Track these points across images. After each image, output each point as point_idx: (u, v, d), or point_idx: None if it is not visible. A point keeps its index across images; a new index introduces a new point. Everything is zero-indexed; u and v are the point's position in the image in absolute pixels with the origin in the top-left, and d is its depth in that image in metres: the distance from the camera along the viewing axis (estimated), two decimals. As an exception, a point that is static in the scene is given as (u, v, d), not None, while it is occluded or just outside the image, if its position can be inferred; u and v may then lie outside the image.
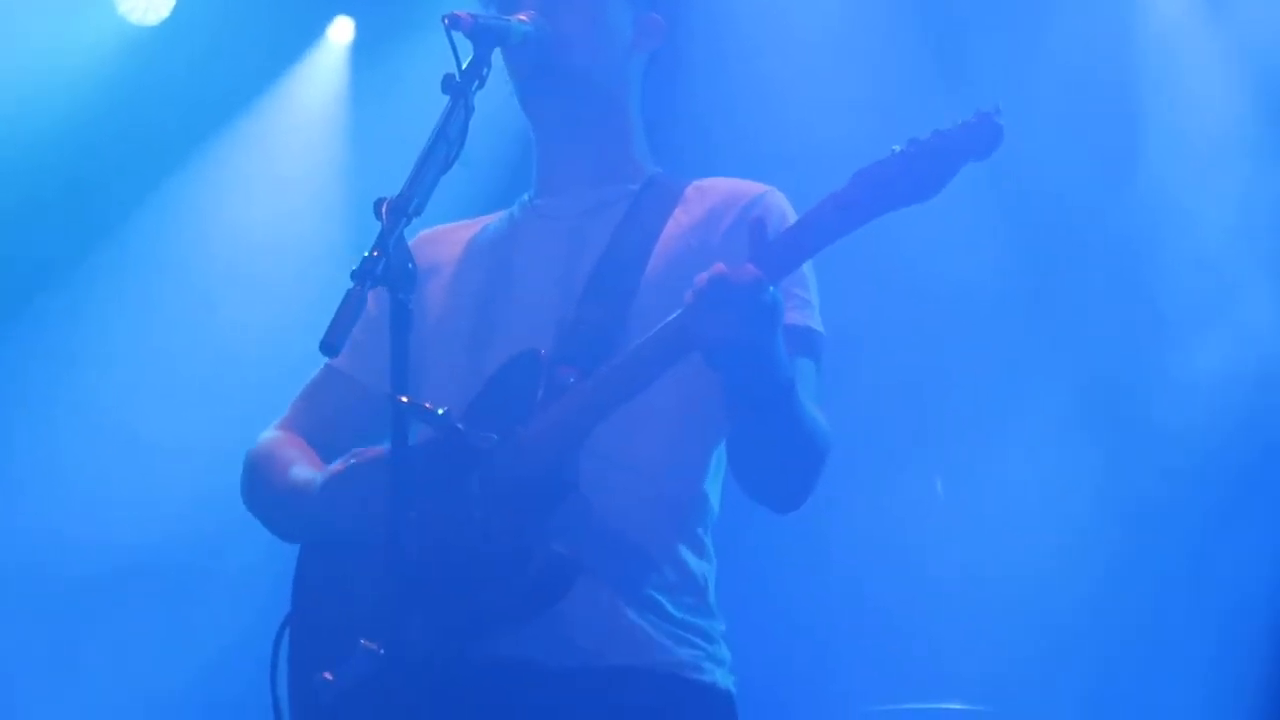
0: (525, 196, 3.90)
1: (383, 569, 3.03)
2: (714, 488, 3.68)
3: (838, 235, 3.31)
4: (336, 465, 3.56)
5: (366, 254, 3.03)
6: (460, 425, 3.28)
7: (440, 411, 3.19)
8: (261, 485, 3.79)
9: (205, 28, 7.37)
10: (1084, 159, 6.77)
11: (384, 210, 3.09)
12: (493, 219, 3.93)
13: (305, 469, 3.68)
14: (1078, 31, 6.80)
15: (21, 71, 7.07)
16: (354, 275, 3.01)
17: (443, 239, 3.91)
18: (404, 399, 3.05)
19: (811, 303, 3.64)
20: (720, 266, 3.24)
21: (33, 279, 7.35)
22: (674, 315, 3.32)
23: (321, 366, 3.86)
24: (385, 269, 3.02)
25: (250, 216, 7.49)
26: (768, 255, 3.28)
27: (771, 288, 3.25)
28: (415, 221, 3.14)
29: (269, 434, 3.88)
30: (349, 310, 2.98)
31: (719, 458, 3.67)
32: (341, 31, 7.64)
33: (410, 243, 3.69)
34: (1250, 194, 6.61)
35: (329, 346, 2.96)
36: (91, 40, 7.25)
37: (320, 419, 3.85)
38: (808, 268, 3.64)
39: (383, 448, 3.47)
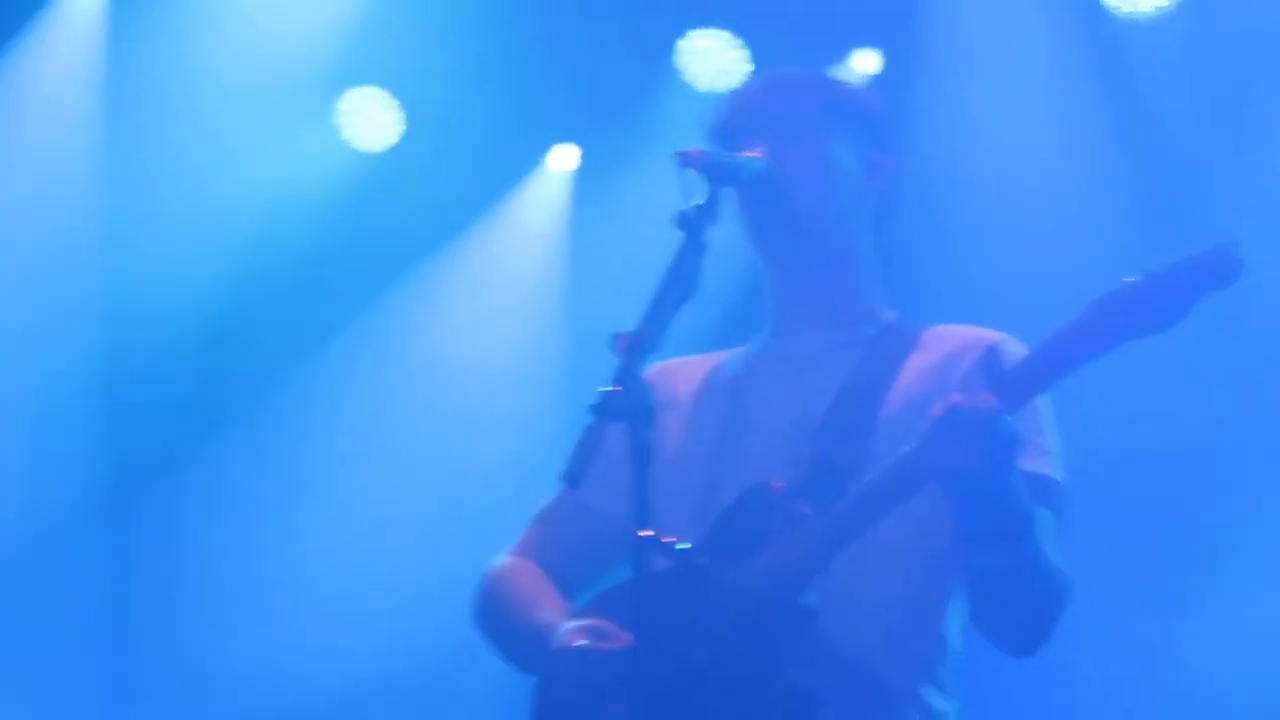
0: (762, 335, 3.89)
1: (624, 707, 3.07)
2: (953, 628, 3.64)
3: (1075, 366, 3.28)
4: (573, 633, 3.53)
5: (604, 389, 3.06)
6: (702, 561, 3.31)
7: (683, 546, 3.22)
8: (497, 617, 3.81)
9: (429, 154, 7.50)
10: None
11: (622, 345, 3.12)
12: (728, 355, 3.93)
13: (544, 611, 3.68)
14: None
15: (243, 196, 7.24)
16: (593, 409, 3.04)
17: (680, 372, 3.91)
18: (647, 533, 3.07)
19: (1050, 450, 3.58)
20: (957, 396, 3.23)
21: (243, 399, 7.51)
22: (910, 446, 3.31)
23: (558, 493, 3.87)
24: (625, 404, 3.05)
25: (459, 345, 7.60)
26: (1003, 385, 3.26)
27: (1008, 418, 3.23)
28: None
29: (505, 560, 3.89)
30: (589, 443, 3.02)
31: (958, 599, 3.63)
32: (563, 159, 7.72)
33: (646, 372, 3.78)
34: None
35: (571, 479, 3.00)
36: (316, 165, 7.41)
37: (558, 548, 3.86)
38: (1049, 417, 3.60)
39: (618, 635, 3.45)
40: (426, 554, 7.19)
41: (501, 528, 4.00)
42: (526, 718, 3.62)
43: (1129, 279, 3.25)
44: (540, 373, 7.48)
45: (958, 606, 3.64)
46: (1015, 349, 3.64)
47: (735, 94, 3.91)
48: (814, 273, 3.79)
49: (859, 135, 3.83)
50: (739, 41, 7.17)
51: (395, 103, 7.46)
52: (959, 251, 6.77)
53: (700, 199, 3.37)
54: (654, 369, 3.82)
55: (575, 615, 3.63)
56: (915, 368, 3.70)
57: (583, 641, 3.49)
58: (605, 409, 3.04)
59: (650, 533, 3.07)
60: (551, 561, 3.85)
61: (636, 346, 3.14)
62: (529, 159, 7.71)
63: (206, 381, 7.48)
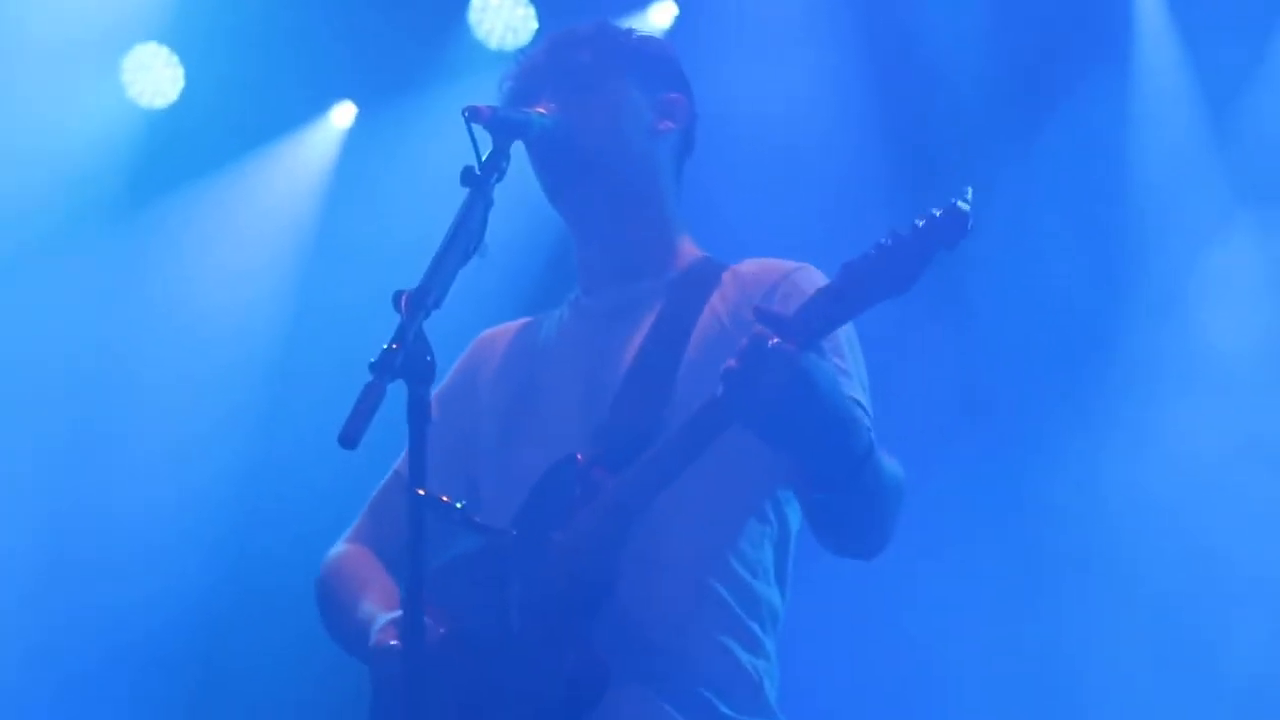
0: (572, 294, 3.89)
1: (430, 686, 3.02)
2: (769, 583, 3.65)
3: (831, 328, 3.30)
4: (384, 630, 3.52)
5: (385, 347, 3.01)
6: (477, 520, 3.27)
7: (459, 505, 3.18)
8: (333, 611, 3.83)
9: (213, 108, 7.39)
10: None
11: (403, 303, 3.08)
12: (545, 316, 3.93)
13: (367, 603, 3.68)
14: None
15: (24, 146, 7.10)
16: (372, 367, 2.99)
17: (497, 339, 3.94)
18: (421, 491, 3.02)
19: (850, 373, 3.57)
20: (756, 331, 3.22)
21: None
22: (705, 401, 3.31)
23: (388, 475, 3.90)
24: (404, 362, 3.00)
25: (202, 281, 7.51)
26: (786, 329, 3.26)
27: (812, 355, 3.24)
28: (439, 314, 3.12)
29: (338, 549, 3.91)
30: (368, 402, 2.96)
31: (771, 552, 3.65)
32: (344, 116, 7.64)
33: (474, 341, 3.81)
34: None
35: (348, 439, 2.94)
36: (99, 119, 7.29)
37: (385, 528, 3.85)
38: (850, 343, 3.63)
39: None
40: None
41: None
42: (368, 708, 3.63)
43: (876, 244, 3.27)
44: (279, 330, 7.43)
45: (776, 563, 3.66)
46: (807, 275, 3.68)
47: (522, 55, 3.91)
48: (611, 222, 3.78)
49: (647, 78, 3.83)
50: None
51: (176, 59, 7.34)
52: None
53: (487, 155, 3.34)
54: (481, 336, 3.90)
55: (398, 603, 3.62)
56: (713, 312, 3.69)
57: (391, 640, 3.46)
58: (383, 367, 3.00)
59: (424, 491, 3.02)
60: (382, 543, 3.85)
61: (416, 303, 3.09)
62: (312, 116, 7.60)
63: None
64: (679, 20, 7.13)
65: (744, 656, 3.57)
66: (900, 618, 6.62)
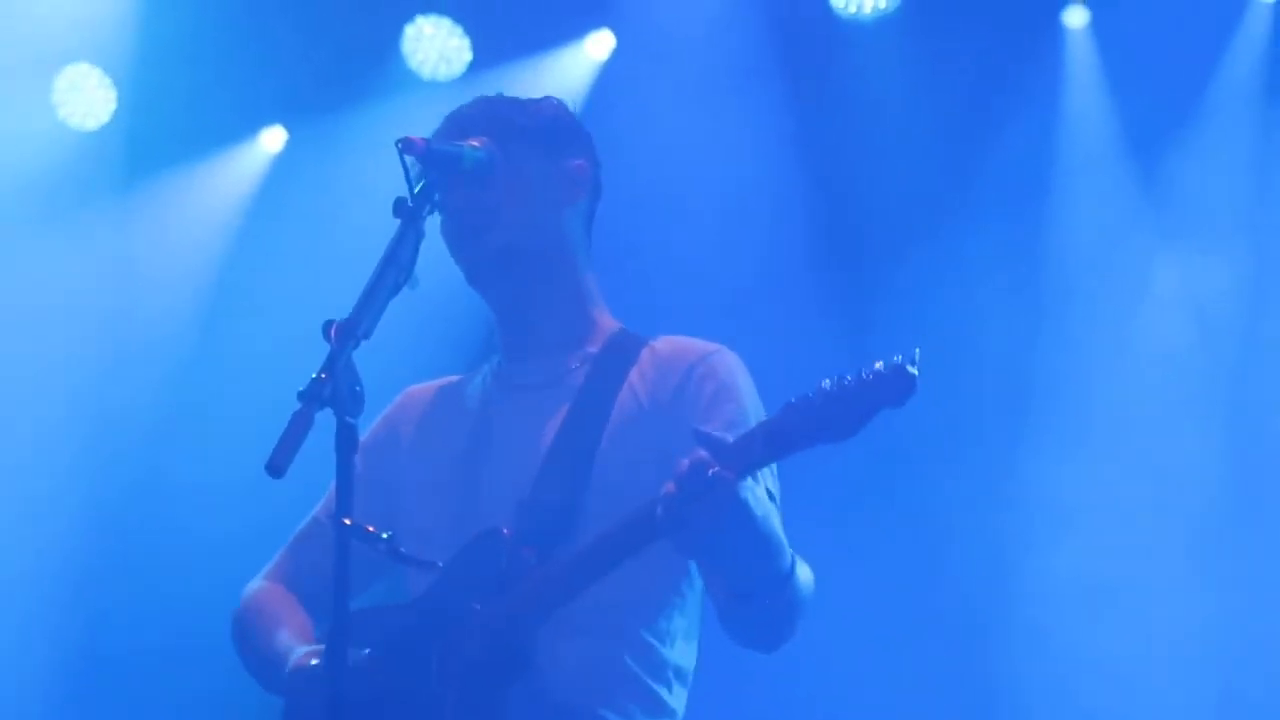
0: (495, 360, 3.89)
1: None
2: (675, 648, 3.70)
3: (765, 463, 3.37)
4: (305, 656, 3.56)
5: (314, 376, 3.02)
6: (403, 549, 3.27)
7: (385, 535, 3.18)
8: (247, 648, 3.82)
9: (143, 130, 7.37)
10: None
11: (333, 332, 3.08)
12: (470, 379, 3.93)
13: (283, 638, 3.69)
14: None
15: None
16: (301, 396, 3.00)
17: (420, 397, 3.94)
18: (347, 521, 3.04)
19: (774, 494, 3.59)
20: (696, 456, 3.25)
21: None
22: (638, 509, 3.36)
23: (308, 519, 3.91)
24: (333, 392, 3.01)
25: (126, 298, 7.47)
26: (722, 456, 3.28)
27: (749, 484, 3.30)
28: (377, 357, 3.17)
29: (255, 585, 3.90)
30: (296, 431, 2.98)
31: (681, 619, 3.71)
32: (274, 141, 7.61)
33: (397, 398, 3.87)
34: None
35: (275, 468, 2.95)
36: (29, 143, 7.26)
37: (305, 568, 3.85)
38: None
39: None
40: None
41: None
42: None
43: (825, 383, 3.29)
44: (200, 352, 7.41)
45: (683, 627, 3.72)
46: (724, 361, 3.71)
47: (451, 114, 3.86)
48: (528, 300, 3.79)
49: (551, 147, 3.80)
50: (460, 29, 7.16)
51: (109, 80, 7.30)
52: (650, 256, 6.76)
53: (419, 187, 3.35)
54: (405, 393, 3.93)
55: (315, 640, 3.66)
56: (631, 390, 3.71)
57: (312, 661, 3.50)
58: (311, 396, 3.01)
59: (350, 521, 3.04)
60: (300, 582, 3.85)
61: (346, 333, 3.10)
62: (242, 139, 7.57)
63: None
64: (615, 53, 7.14)
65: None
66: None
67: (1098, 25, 6.95)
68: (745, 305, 6.05)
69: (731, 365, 3.71)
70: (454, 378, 3.98)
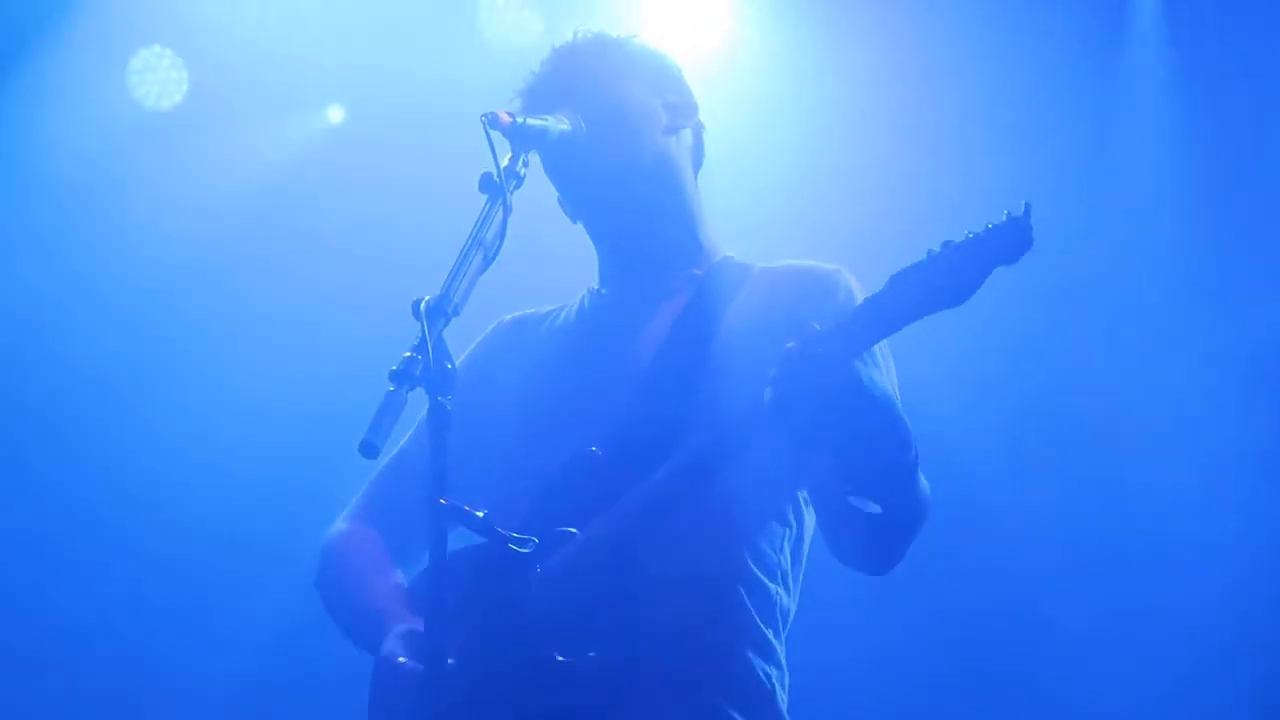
0: (592, 286, 3.89)
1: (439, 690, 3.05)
2: (784, 586, 3.64)
3: (877, 339, 3.30)
4: (397, 641, 3.49)
5: (406, 355, 3.02)
6: (500, 529, 3.26)
7: (480, 514, 3.16)
8: (337, 596, 3.80)
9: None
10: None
11: (422, 310, 3.07)
12: (563, 307, 3.92)
13: (376, 595, 3.67)
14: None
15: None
16: (392, 376, 2.99)
17: (517, 330, 3.92)
18: (443, 501, 3.02)
19: (880, 366, 3.54)
20: (803, 335, 3.22)
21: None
22: (750, 399, 3.29)
23: (392, 455, 3.87)
24: (424, 371, 3.00)
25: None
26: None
27: (862, 362, 3.24)
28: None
29: (340, 529, 3.87)
30: (389, 411, 2.97)
31: (789, 555, 3.65)
32: (335, 116, 7.59)
33: (488, 330, 3.80)
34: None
35: (369, 447, 2.94)
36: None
37: (390, 508, 3.83)
38: (886, 359, 3.60)
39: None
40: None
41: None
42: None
43: (933, 250, 3.24)
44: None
45: (790, 568, 3.66)
46: (845, 281, 3.68)
47: (538, 68, 3.87)
48: (639, 222, 3.78)
49: (655, 81, 3.83)
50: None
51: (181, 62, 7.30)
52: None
53: (506, 162, 3.32)
54: (496, 325, 3.87)
55: (406, 600, 3.62)
56: (743, 311, 3.68)
57: (402, 658, 3.44)
58: (403, 376, 2.99)
59: (446, 501, 3.03)
60: (385, 526, 3.82)
61: (436, 312, 3.09)
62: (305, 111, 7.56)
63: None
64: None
65: (759, 665, 3.57)
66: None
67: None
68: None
69: (852, 284, 3.68)
70: (546, 306, 3.97)
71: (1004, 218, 3.21)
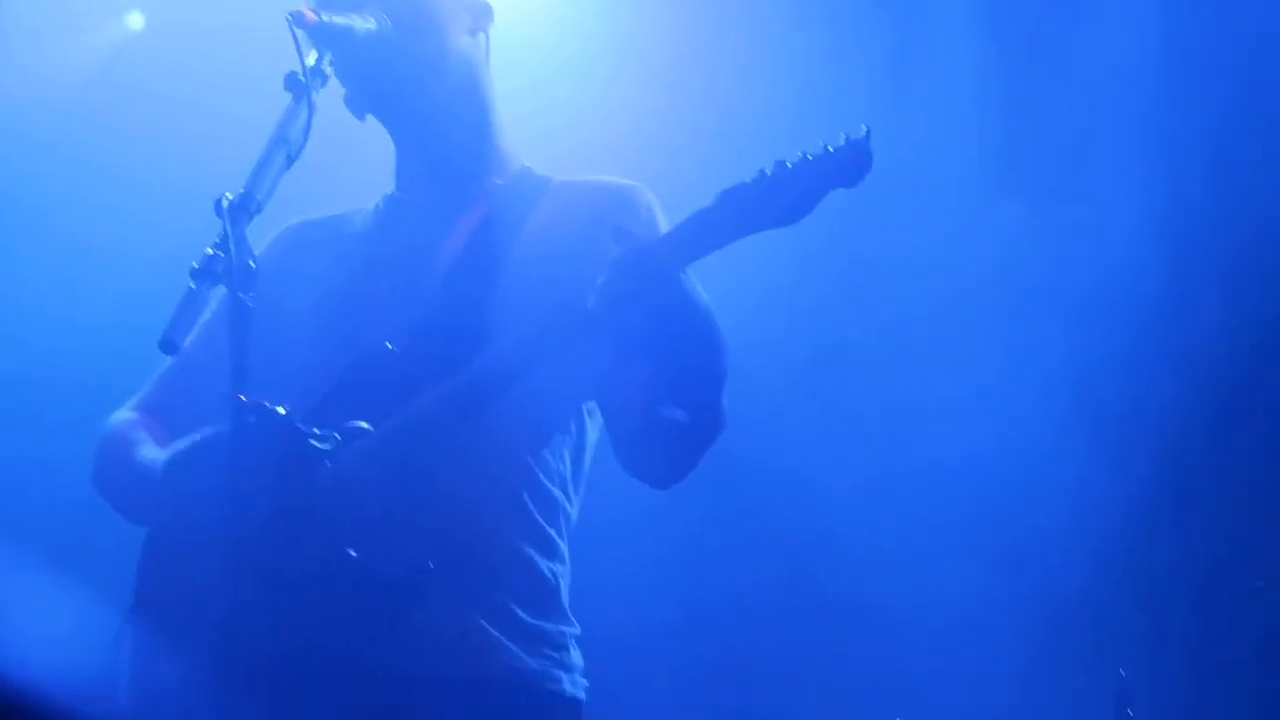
0: (389, 190, 3.87)
1: (226, 566, 3.03)
2: (565, 491, 3.68)
3: (703, 253, 3.31)
4: (180, 444, 3.46)
5: (208, 252, 3.01)
6: (300, 425, 3.26)
7: (281, 410, 3.17)
8: (110, 466, 3.72)
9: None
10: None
11: (225, 209, 3.07)
12: (356, 212, 3.90)
13: (153, 449, 3.60)
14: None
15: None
16: (194, 274, 3.00)
17: (307, 234, 3.88)
18: (242, 398, 3.03)
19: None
20: (631, 245, 3.24)
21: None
22: (565, 304, 3.31)
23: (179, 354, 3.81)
24: (226, 268, 3.00)
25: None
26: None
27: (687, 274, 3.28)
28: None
29: (121, 414, 3.81)
30: (190, 307, 2.98)
31: (570, 461, 3.69)
32: (134, 23, 7.46)
33: (276, 233, 3.70)
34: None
35: (169, 343, 2.95)
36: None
37: (176, 404, 3.76)
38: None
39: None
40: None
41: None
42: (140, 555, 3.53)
43: (764, 170, 3.28)
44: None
45: (573, 467, 3.70)
46: (644, 198, 3.70)
47: None
48: (442, 123, 3.76)
49: None
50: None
51: None
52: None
53: (310, 61, 3.31)
54: (286, 228, 3.82)
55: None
56: (542, 220, 3.70)
57: (183, 447, 3.42)
58: (205, 273, 3.00)
59: (245, 398, 3.04)
60: (171, 416, 3.74)
61: (239, 209, 3.09)
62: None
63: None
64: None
65: (543, 563, 3.61)
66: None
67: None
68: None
69: (651, 201, 3.70)
70: (336, 211, 3.94)
71: (843, 140, 3.25)
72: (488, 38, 3.86)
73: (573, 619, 3.66)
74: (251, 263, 3.05)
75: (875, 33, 6.86)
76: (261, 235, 3.12)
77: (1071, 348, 6.57)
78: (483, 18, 3.85)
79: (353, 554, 3.35)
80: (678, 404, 3.40)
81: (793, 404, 6.70)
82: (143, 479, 3.55)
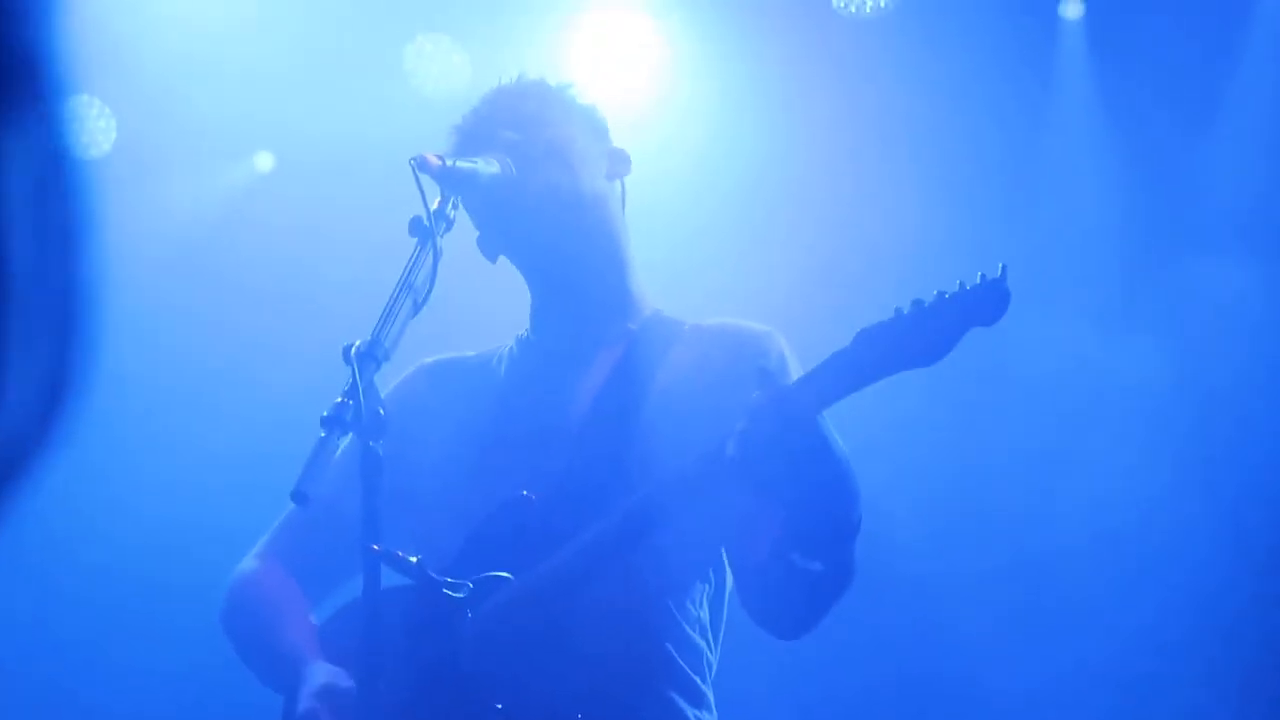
0: (523, 332, 3.85)
1: None
2: (707, 639, 3.64)
3: (842, 396, 3.29)
4: (314, 692, 3.42)
5: (337, 400, 3.01)
6: (433, 574, 3.24)
7: (414, 560, 3.15)
8: (243, 631, 3.73)
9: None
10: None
11: (353, 356, 3.06)
12: (491, 353, 3.89)
13: (290, 633, 3.61)
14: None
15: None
16: (324, 422, 2.99)
17: (440, 374, 3.87)
18: (375, 547, 3.01)
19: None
20: (769, 389, 3.21)
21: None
22: (704, 451, 3.30)
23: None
24: (355, 416, 2.99)
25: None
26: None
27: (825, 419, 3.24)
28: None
29: (250, 565, 3.80)
30: (321, 457, 2.96)
31: (709, 610, 3.65)
32: (263, 163, 7.53)
33: (411, 370, 3.71)
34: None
35: (301, 495, 2.93)
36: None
37: (303, 552, 3.76)
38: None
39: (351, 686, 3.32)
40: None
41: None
42: None
43: (901, 309, 3.26)
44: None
45: (715, 615, 3.66)
46: (777, 345, 3.67)
47: (473, 107, 3.85)
48: (573, 264, 3.74)
49: (594, 129, 3.82)
50: (460, 46, 7.06)
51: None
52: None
53: (435, 205, 3.30)
54: (420, 367, 3.82)
55: (320, 640, 3.57)
56: (676, 367, 3.68)
57: (317, 705, 3.39)
58: (334, 422, 2.99)
59: (378, 547, 3.01)
60: (299, 564, 3.76)
61: (367, 356, 3.07)
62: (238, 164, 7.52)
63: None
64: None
65: (691, 712, 3.57)
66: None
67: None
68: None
69: (783, 346, 3.67)
70: (469, 352, 3.93)
71: (979, 279, 3.23)
72: (623, 185, 3.85)
73: None
74: (381, 410, 3.03)
75: (1007, 157, 6.87)
76: (389, 382, 3.10)
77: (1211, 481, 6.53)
78: (620, 164, 3.84)
79: (499, 708, 3.33)
80: (810, 553, 3.35)
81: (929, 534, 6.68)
82: (277, 674, 3.56)
